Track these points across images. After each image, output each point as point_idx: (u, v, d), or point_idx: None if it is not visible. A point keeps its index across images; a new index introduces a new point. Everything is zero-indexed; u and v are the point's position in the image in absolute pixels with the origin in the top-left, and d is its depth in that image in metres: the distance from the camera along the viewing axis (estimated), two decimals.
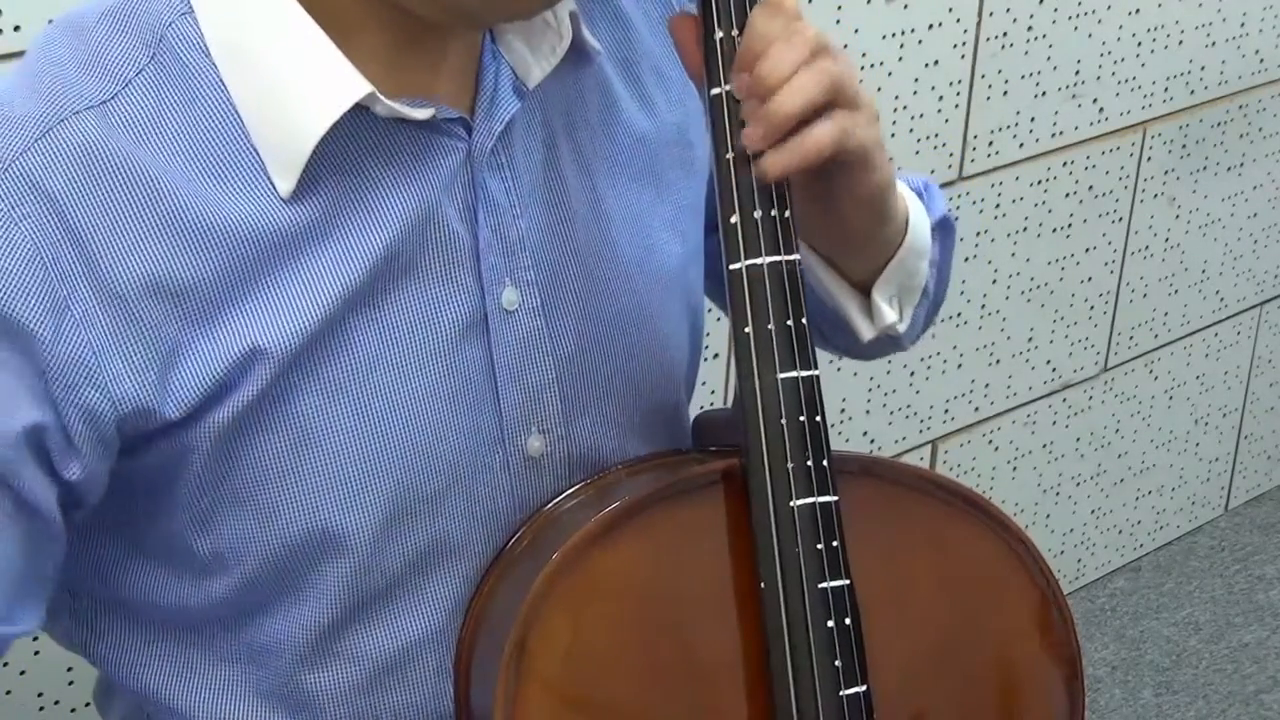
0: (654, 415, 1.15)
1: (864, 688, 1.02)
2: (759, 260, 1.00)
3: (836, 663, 1.01)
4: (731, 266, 1.00)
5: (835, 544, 1.01)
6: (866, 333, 1.17)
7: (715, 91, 1.00)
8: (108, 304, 0.95)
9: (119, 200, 0.95)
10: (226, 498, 1.01)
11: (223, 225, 0.97)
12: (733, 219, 1.00)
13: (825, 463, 1.01)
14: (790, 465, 1.00)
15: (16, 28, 1.46)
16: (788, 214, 1.01)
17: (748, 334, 1.00)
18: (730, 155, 1.00)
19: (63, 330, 0.94)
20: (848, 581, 1.01)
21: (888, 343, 1.22)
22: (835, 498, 1.01)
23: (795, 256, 1.01)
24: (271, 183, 0.98)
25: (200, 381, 0.97)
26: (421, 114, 1.00)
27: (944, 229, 1.23)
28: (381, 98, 0.98)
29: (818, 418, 1.01)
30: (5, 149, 0.94)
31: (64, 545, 1.00)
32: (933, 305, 1.25)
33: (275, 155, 0.98)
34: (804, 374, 1.01)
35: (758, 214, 1.00)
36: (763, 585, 1.01)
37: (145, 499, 1.02)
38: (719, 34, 1.00)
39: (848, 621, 1.01)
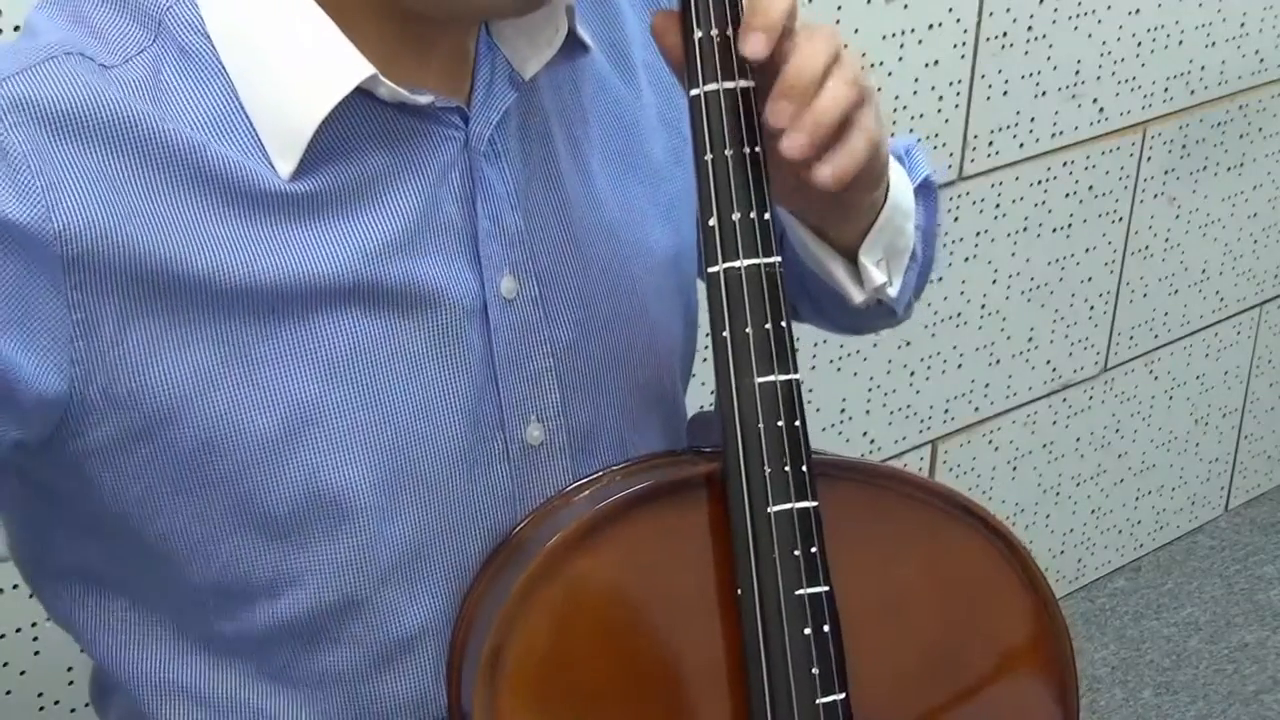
0: (649, 403, 1.16)
1: (842, 695, 1.00)
2: (737, 263, 0.99)
3: (814, 670, 1.00)
4: (710, 269, 0.99)
5: (814, 550, 1.00)
6: (856, 296, 1.16)
7: (695, 92, 0.99)
8: (89, 226, 0.93)
9: (115, 132, 0.94)
10: (216, 477, 1.00)
11: (223, 176, 0.96)
12: (710, 221, 0.99)
13: (804, 468, 0.99)
14: (768, 470, 0.99)
15: (16, 28, 1.46)
16: (767, 216, 0.99)
17: (725, 337, 0.99)
18: (709, 157, 0.99)
19: (46, 234, 0.92)
20: (827, 588, 1.00)
21: (883, 312, 1.21)
22: (815, 503, 1.00)
23: (775, 259, 1.00)
24: (272, 165, 0.98)
25: (168, 330, 0.96)
26: (423, 99, 1.01)
27: (926, 190, 1.23)
28: (384, 80, 0.98)
29: (797, 422, 0.99)
30: (2, 68, 0.93)
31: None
32: (922, 269, 1.24)
33: (276, 138, 0.98)
34: (783, 378, 0.99)
35: (736, 216, 0.99)
36: (739, 591, 1.00)
37: (126, 477, 1.00)
38: (698, 33, 0.99)
39: (826, 629, 1.00)
